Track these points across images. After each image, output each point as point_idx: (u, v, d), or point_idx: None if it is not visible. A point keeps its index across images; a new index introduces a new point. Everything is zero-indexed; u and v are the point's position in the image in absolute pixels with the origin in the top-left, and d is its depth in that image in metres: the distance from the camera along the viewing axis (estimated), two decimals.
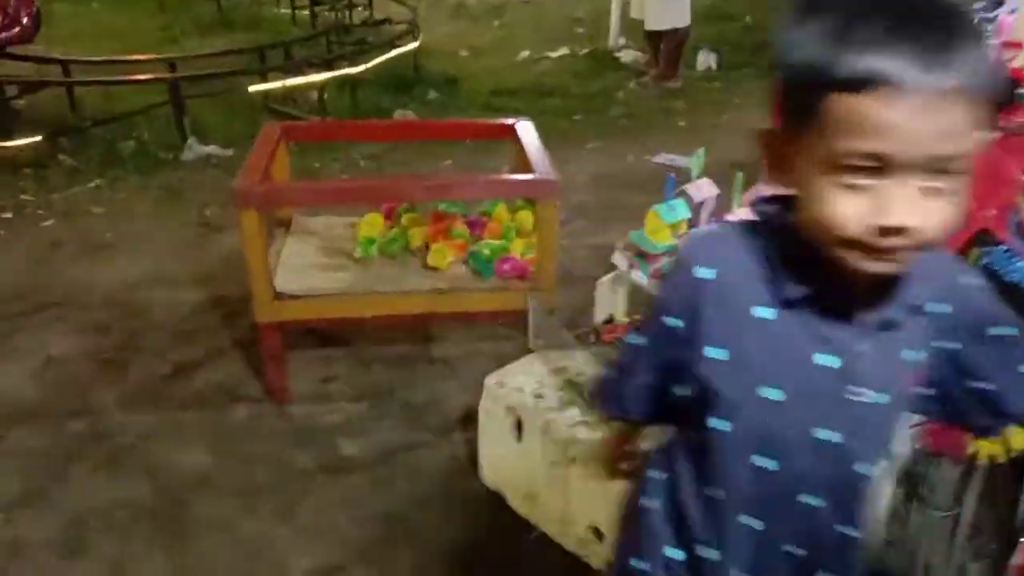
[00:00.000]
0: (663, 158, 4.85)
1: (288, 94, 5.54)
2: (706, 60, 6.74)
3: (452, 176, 2.34)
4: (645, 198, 4.43)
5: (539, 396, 2.14)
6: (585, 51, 7.34)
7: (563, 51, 7.34)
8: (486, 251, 2.59)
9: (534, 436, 2.10)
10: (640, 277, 2.47)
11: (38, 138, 4.75)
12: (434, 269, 2.64)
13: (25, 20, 5.05)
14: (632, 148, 5.05)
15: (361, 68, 5.70)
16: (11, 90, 5.20)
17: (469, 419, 2.61)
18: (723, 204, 2.63)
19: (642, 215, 4.21)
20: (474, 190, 2.38)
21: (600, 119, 5.66)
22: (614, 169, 4.74)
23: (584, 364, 2.21)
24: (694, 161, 2.56)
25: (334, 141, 4.16)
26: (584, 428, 2.03)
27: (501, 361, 2.91)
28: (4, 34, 4.99)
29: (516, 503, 2.25)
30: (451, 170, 4.70)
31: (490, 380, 2.22)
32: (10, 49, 5.16)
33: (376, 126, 2.78)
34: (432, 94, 6.05)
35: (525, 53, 7.33)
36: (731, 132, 5.31)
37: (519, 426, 2.16)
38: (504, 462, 2.24)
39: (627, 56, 6.96)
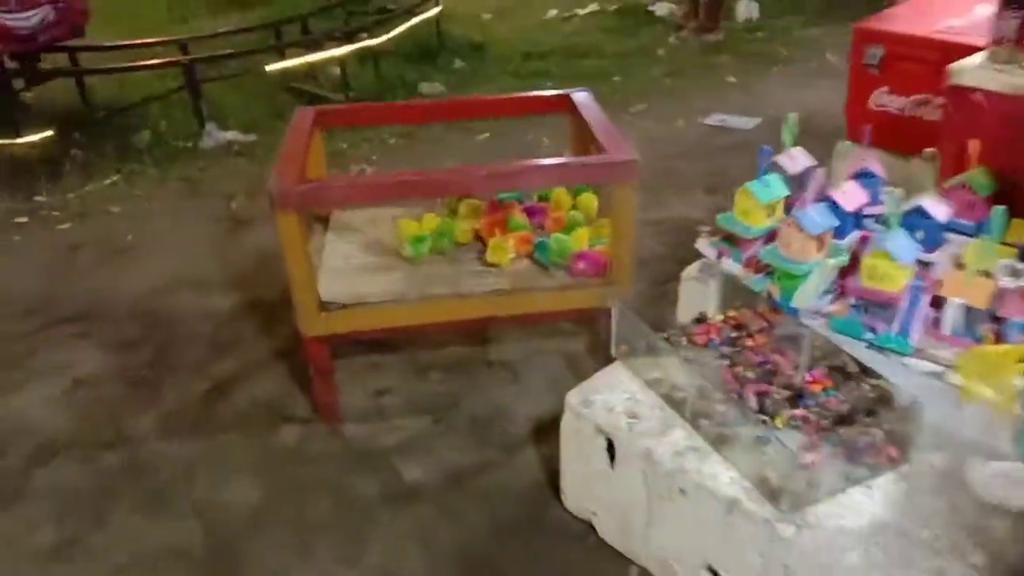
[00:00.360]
0: (716, 119, 4.50)
1: (308, 71, 5.23)
2: (747, 10, 6.32)
3: (518, 163, 2.04)
4: (701, 165, 4.13)
5: (633, 416, 1.85)
6: (615, 6, 6.93)
7: (592, 7, 6.94)
8: (555, 246, 2.29)
9: (631, 463, 1.82)
10: (732, 266, 2.17)
11: (49, 133, 4.48)
12: (493, 266, 2.36)
13: (75, 14, 4.79)
14: (680, 110, 4.70)
15: (383, 39, 5.36)
16: (18, 83, 4.92)
17: (541, 432, 2.34)
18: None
19: (700, 185, 3.91)
20: (546, 178, 2.07)
21: (642, 79, 5.29)
22: (664, 134, 4.40)
23: (678, 374, 1.92)
24: (786, 128, 2.24)
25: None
26: (693, 456, 1.74)
27: (567, 361, 2.65)
28: (56, 30, 4.71)
29: (608, 534, 1.98)
30: (488, 144, 4.40)
31: (573, 397, 1.94)
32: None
33: (419, 108, 2.48)
34: (458, 63, 5.71)
35: (552, 12, 6.94)
36: (785, 86, 4.94)
37: (610, 448, 1.88)
38: (593, 488, 1.97)
39: (661, 9, 6.56)
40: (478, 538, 2.04)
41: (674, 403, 1.87)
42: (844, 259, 2.01)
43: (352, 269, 2.37)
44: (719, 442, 1.76)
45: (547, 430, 2.35)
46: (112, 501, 2.19)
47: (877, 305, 1.89)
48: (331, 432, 2.39)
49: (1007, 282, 1.84)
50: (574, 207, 2.59)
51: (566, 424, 1.96)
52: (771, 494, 1.62)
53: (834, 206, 2.06)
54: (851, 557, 1.49)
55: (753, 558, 1.64)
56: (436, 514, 2.10)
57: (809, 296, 1.98)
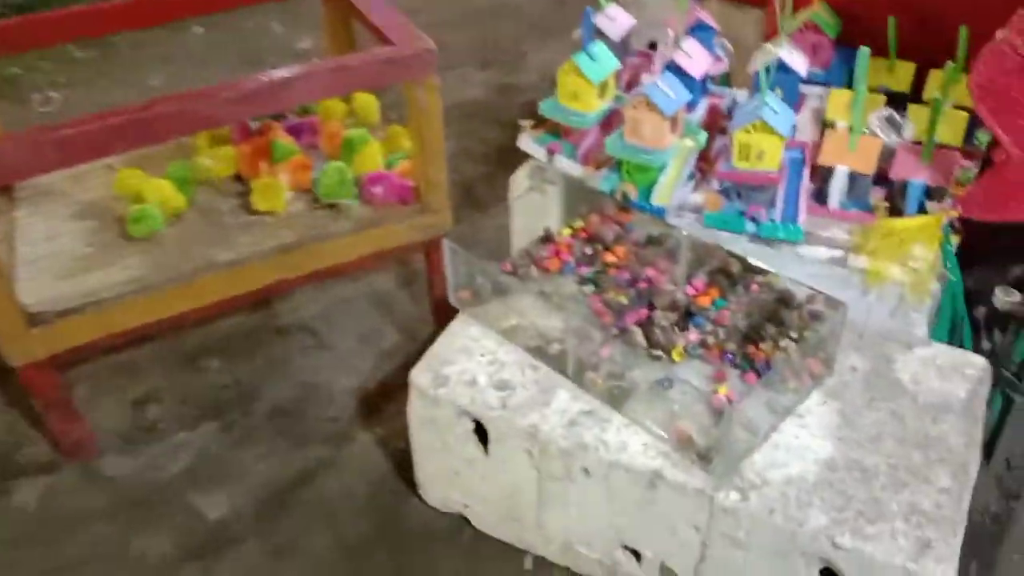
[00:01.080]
0: None
1: None
2: None
3: (278, 73, 1.45)
4: (465, 35, 3.62)
5: (504, 388, 1.44)
6: None
7: None
8: (327, 179, 1.75)
9: (512, 446, 1.42)
10: (569, 165, 1.76)
11: None
12: (266, 214, 1.78)
13: None
14: None
15: None
16: None
17: (369, 406, 1.89)
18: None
19: (472, 60, 3.42)
20: (321, 87, 1.49)
21: None
22: (414, 2, 3.81)
23: (540, 316, 1.52)
24: None
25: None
26: (590, 424, 1.37)
27: (377, 304, 2.17)
28: None
29: (488, 526, 1.60)
30: (206, 41, 3.60)
31: (420, 376, 1.48)
32: None
33: (113, 12, 1.74)
34: None
35: None
36: None
37: (478, 428, 1.47)
38: (462, 479, 1.56)
39: None
40: (327, 568, 1.58)
41: (549, 358, 1.47)
42: (704, 137, 1.67)
43: (63, 256, 1.69)
44: (616, 399, 1.40)
45: (376, 402, 1.90)
46: None
47: (752, 189, 1.58)
48: (88, 475, 1.77)
49: (891, 138, 1.59)
50: (350, 115, 2.05)
51: (416, 411, 1.51)
52: (698, 455, 1.30)
53: (679, 73, 1.69)
54: (814, 516, 1.21)
55: (687, 533, 1.33)
56: (264, 554, 1.61)
57: (671, 189, 1.63)
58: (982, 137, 1.68)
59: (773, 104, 1.51)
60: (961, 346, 1.52)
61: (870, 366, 1.43)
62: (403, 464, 1.69)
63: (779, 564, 1.26)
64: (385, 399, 1.89)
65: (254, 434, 1.83)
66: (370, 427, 1.83)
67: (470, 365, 1.48)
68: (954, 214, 1.40)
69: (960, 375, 1.40)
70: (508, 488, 1.49)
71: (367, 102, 2.02)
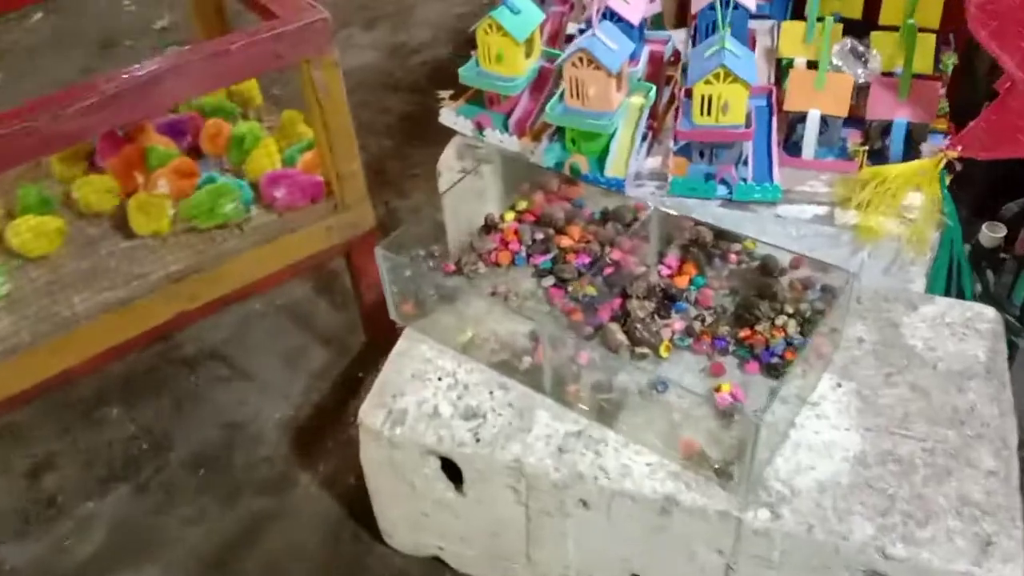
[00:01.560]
0: None
1: None
2: None
3: (141, 70, 1.15)
4: None
5: (474, 417, 1.22)
6: None
7: None
8: (207, 201, 1.46)
9: (492, 483, 1.21)
10: (505, 139, 1.53)
11: None
12: (149, 237, 1.48)
13: None
14: None
15: None
16: None
17: (307, 440, 1.64)
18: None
19: (356, 19, 3.10)
20: (199, 81, 1.20)
21: None
22: None
23: (498, 322, 1.31)
24: None
25: None
26: (581, 448, 1.17)
27: (294, 318, 1.90)
28: None
29: (468, 566, 1.39)
30: (45, 26, 3.14)
31: (370, 415, 1.24)
32: None
33: None
34: None
35: None
36: None
37: (446, 465, 1.26)
38: (434, 521, 1.34)
39: None
40: None
41: (519, 374, 1.26)
42: (653, 91, 1.47)
43: None
44: (605, 414, 1.20)
45: (313, 434, 1.65)
46: None
47: (716, 147, 1.39)
48: None
49: (857, 72, 1.42)
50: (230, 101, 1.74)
51: (370, 455, 1.27)
52: (715, 472, 1.12)
53: (615, 20, 1.46)
54: (858, 526, 1.05)
55: (708, 557, 1.16)
56: None
57: (626, 156, 1.42)
58: (948, 61, 1.54)
59: (733, 48, 1.31)
60: (961, 295, 1.39)
61: (877, 335, 1.28)
62: (358, 504, 1.47)
63: None
64: (323, 429, 1.65)
65: (176, 492, 1.57)
66: (311, 465, 1.59)
67: (427, 393, 1.25)
68: (953, 155, 1.25)
69: (975, 332, 1.26)
70: (490, 526, 1.28)
71: (248, 88, 1.72)
